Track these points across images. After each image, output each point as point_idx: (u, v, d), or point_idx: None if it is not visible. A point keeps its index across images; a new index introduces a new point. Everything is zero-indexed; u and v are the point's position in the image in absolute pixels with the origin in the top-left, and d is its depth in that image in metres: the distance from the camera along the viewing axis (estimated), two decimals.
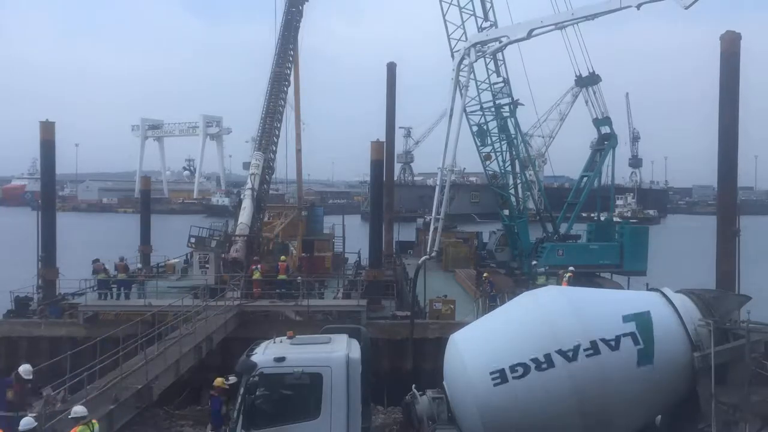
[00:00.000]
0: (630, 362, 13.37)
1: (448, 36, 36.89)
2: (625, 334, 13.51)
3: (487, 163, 39.12)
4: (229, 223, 35.05)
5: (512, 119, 39.02)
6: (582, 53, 38.97)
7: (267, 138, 37.55)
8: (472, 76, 36.38)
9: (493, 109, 38.19)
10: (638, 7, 29.28)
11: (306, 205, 52.69)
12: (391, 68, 52.53)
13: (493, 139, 38.54)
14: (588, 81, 41.07)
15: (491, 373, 13.55)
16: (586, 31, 36.78)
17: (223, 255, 32.95)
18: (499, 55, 37.50)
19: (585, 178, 42.27)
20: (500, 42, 34.80)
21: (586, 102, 41.96)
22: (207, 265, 32.75)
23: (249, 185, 35.80)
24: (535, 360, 13.35)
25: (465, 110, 37.15)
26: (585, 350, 13.30)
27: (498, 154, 38.81)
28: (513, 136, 39.24)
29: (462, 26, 36.73)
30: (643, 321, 13.82)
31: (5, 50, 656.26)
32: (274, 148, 37.86)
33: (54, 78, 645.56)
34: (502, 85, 38.16)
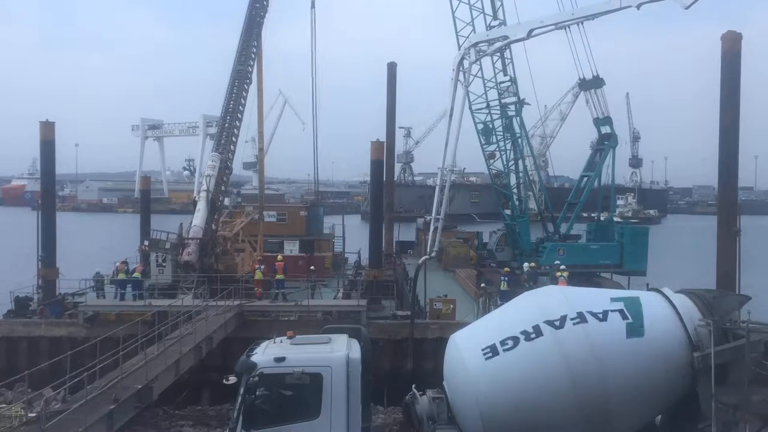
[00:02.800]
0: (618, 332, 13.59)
1: (457, 33, 36.79)
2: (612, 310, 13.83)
3: (491, 161, 39.13)
4: (183, 226, 34.64)
5: (517, 118, 39.02)
6: (586, 56, 38.95)
7: (226, 138, 36.95)
8: (479, 74, 36.49)
9: (498, 108, 38.22)
10: (638, 7, 29.36)
11: (307, 205, 52.71)
12: (392, 68, 52.51)
13: (498, 137, 38.54)
14: (591, 84, 41.04)
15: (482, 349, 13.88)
16: (586, 31, 36.80)
17: (178, 257, 32.76)
18: (507, 54, 37.49)
19: (585, 178, 42.31)
20: (500, 42, 34.89)
21: (587, 102, 41.97)
22: (164, 264, 32.79)
23: (204, 186, 35.32)
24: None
25: (470, 108, 37.18)
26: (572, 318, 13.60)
27: (503, 152, 38.82)
28: (518, 135, 39.27)
29: (471, 23, 36.74)
30: (631, 301, 14.19)
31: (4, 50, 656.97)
32: (232, 148, 37.25)
33: (53, 78, 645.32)
34: (509, 83, 38.09)
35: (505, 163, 39.04)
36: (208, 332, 24.38)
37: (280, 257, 34.63)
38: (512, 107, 38.58)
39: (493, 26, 36.69)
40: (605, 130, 41.53)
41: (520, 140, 39.55)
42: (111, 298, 31.34)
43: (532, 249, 39.88)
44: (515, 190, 39.74)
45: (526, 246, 39.73)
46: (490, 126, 38.37)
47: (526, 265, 34.37)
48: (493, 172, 39.65)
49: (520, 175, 39.83)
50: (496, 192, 40.64)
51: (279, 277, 31.50)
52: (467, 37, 36.07)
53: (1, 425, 18.30)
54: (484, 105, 38.09)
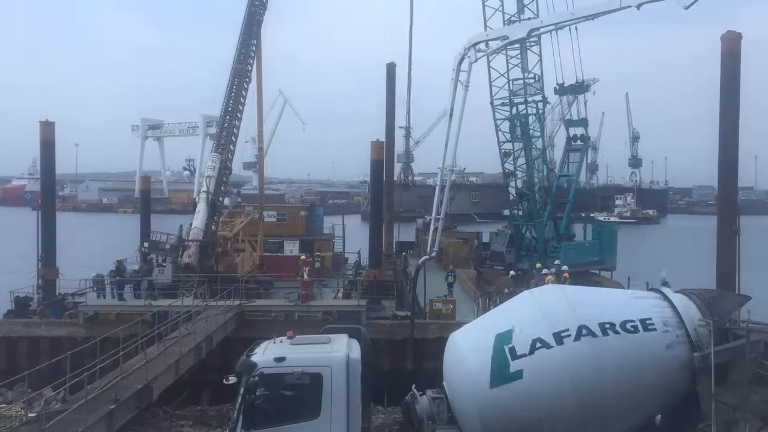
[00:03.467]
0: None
1: (485, 22, 36.37)
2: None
3: (506, 159, 38.90)
4: (183, 228, 34.59)
5: (539, 116, 38.88)
6: (574, 60, 38.82)
7: (225, 138, 36.85)
8: (505, 72, 36.30)
9: (528, 104, 38.05)
10: (638, 7, 29.26)
11: (307, 205, 52.79)
12: (391, 69, 52.61)
13: (520, 133, 38.28)
14: (572, 90, 41.03)
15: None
16: (586, 31, 36.73)
17: (179, 259, 32.80)
18: (535, 49, 37.22)
19: (564, 179, 42.70)
20: (500, 42, 34.80)
21: (584, 102, 42.01)
22: (164, 264, 32.85)
23: (204, 188, 35.28)
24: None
25: (492, 104, 37.10)
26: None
27: (530, 151, 38.64)
28: (537, 134, 39.15)
29: (509, 15, 36.35)
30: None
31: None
32: (232, 148, 37.17)
33: (53, 78, 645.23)
34: (532, 80, 37.73)
35: (528, 161, 38.79)
36: (208, 332, 24.40)
37: (302, 257, 34.82)
38: (533, 105, 38.26)
39: (513, 21, 36.31)
40: (575, 131, 41.89)
41: (541, 139, 39.42)
42: (110, 298, 31.37)
43: (543, 249, 39.66)
44: (527, 191, 39.49)
45: (541, 247, 39.51)
46: (516, 123, 38.13)
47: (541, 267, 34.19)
48: (507, 171, 39.31)
49: (539, 174, 39.69)
50: (508, 191, 40.29)
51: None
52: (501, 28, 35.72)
53: (1, 425, 18.31)
54: (507, 101, 37.80)
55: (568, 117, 42.27)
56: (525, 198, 39.34)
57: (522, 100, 37.51)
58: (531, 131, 38.44)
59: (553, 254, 38.19)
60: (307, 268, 31.60)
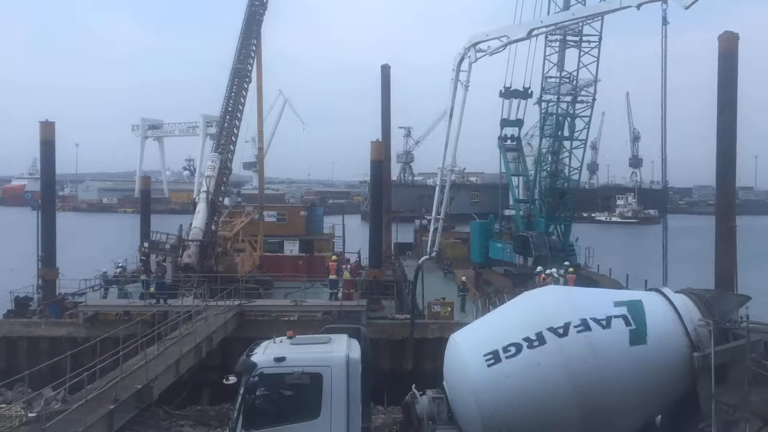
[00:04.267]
0: (622, 341, 13.51)
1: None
2: (616, 316, 13.76)
3: (557, 157, 39.21)
4: (183, 228, 34.57)
5: (569, 117, 39.13)
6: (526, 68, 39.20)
7: (225, 138, 36.92)
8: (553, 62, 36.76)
9: (554, 103, 38.35)
10: (638, 7, 29.20)
11: (307, 205, 52.74)
12: (386, 70, 52.56)
13: (555, 131, 38.61)
14: (516, 95, 41.43)
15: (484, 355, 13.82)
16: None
17: (178, 259, 32.82)
18: (577, 50, 37.33)
19: (517, 178, 43.04)
20: (500, 41, 34.76)
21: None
22: (164, 264, 32.91)
23: (204, 188, 35.35)
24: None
25: (541, 97, 37.39)
26: (576, 326, 13.50)
27: (561, 149, 38.93)
28: (566, 134, 39.42)
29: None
30: (634, 305, 14.08)
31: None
32: (232, 148, 37.24)
33: (53, 78, 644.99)
34: (567, 80, 37.94)
35: (558, 159, 39.02)
36: (208, 332, 24.38)
37: (334, 257, 34.82)
38: (565, 104, 38.46)
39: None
40: (508, 132, 42.48)
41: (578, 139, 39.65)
42: (111, 298, 31.44)
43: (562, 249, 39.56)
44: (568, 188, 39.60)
45: (566, 246, 39.38)
46: (553, 121, 38.52)
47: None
48: (551, 169, 39.68)
49: (572, 172, 39.91)
50: (550, 190, 40.43)
51: (332, 277, 31.81)
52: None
53: (1, 425, 18.31)
54: (564, 96, 38.06)
55: (504, 117, 42.68)
56: (567, 197, 39.55)
57: (561, 98, 37.85)
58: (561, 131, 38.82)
59: (570, 253, 38.14)
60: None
